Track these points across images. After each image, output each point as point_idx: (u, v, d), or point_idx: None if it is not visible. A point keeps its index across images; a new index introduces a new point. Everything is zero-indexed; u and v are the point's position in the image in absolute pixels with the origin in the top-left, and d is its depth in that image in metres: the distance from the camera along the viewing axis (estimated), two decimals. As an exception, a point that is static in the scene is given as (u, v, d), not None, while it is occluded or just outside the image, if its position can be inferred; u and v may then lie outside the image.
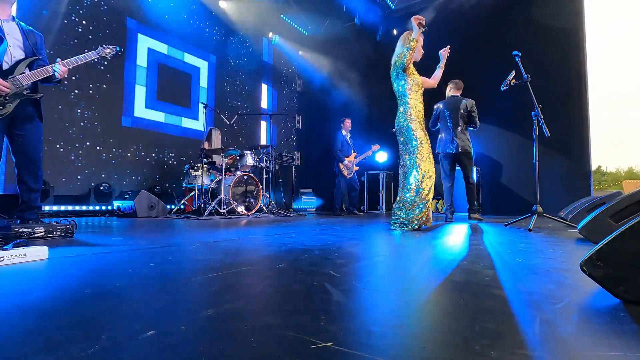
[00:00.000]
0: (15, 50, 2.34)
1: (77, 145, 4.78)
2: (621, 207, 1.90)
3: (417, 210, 2.78)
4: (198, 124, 6.40)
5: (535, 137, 3.16)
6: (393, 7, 7.81)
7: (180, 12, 6.25)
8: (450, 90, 4.46)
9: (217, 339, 0.61)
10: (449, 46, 3.39)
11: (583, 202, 3.49)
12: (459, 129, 4.21)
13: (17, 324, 0.69)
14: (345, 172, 5.82)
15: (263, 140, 7.97)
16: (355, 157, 6.00)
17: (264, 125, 8.06)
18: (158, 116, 5.85)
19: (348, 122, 6.04)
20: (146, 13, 5.70)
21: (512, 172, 6.13)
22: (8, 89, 2.25)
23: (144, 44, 5.70)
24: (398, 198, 2.91)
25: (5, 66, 2.28)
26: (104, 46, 2.63)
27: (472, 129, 4.31)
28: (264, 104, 8.17)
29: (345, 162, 5.82)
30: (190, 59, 6.42)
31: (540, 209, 3.04)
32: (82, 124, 4.83)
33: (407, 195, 2.82)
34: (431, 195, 2.84)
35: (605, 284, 0.85)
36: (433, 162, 2.91)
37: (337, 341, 0.60)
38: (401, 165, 2.97)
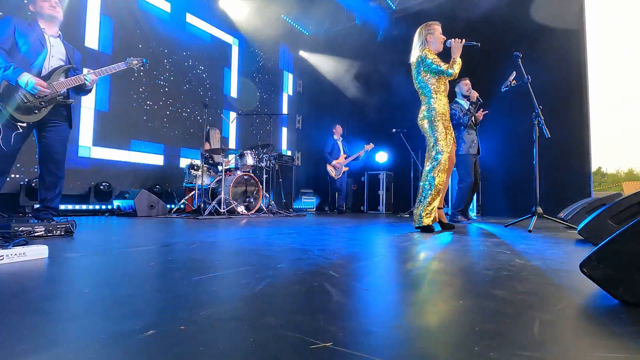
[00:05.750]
0: (55, 62, 2.54)
1: (77, 144, 4.78)
2: (621, 208, 1.90)
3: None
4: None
5: (536, 137, 3.16)
6: (394, 7, 7.81)
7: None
8: None
9: (216, 339, 0.61)
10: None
11: (583, 203, 3.49)
12: None
13: (16, 324, 0.69)
14: (333, 173, 6.26)
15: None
16: (345, 159, 6.39)
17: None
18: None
19: (339, 128, 6.57)
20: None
21: (512, 172, 6.12)
22: (47, 89, 2.40)
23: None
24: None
25: (43, 72, 2.46)
26: (132, 58, 2.81)
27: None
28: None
29: (334, 163, 6.27)
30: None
31: (540, 209, 3.04)
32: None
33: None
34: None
35: (604, 285, 0.85)
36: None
37: (336, 341, 0.60)
38: None
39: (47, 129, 2.52)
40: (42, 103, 2.42)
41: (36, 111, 2.41)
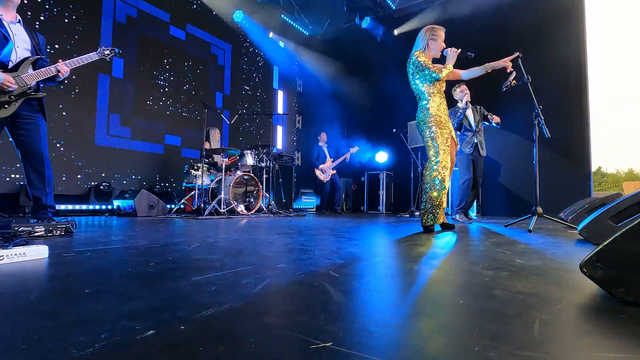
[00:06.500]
0: (22, 52, 2.40)
1: (77, 144, 4.78)
2: (621, 208, 1.90)
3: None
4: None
5: (536, 137, 3.16)
6: (394, 7, 7.81)
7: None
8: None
9: (217, 339, 0.61)
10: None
11: (583, 203, 3.49)
12: None
13: (17, 324, 0.69)
14: (322, 177, 6.71)
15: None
16: (332, 162, 6.82)
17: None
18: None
19: (324, 135, 7.06)
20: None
21: (512, 172, 6.12)
22: (14, 84, 2.29)
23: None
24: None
25: (10, 65, 2.33)
26: (104, 47, 2.74)
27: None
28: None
29: (321, 167, 6.74)
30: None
31: (540, 209, 3.04)
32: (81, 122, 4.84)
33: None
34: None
35: (604, 285, 0.85)
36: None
37: (336, 341, 0.60)
38: None
39: (23, 126, 2.42)
40: (12, 97, 2.30)
41: (6, 106, 2.29)
